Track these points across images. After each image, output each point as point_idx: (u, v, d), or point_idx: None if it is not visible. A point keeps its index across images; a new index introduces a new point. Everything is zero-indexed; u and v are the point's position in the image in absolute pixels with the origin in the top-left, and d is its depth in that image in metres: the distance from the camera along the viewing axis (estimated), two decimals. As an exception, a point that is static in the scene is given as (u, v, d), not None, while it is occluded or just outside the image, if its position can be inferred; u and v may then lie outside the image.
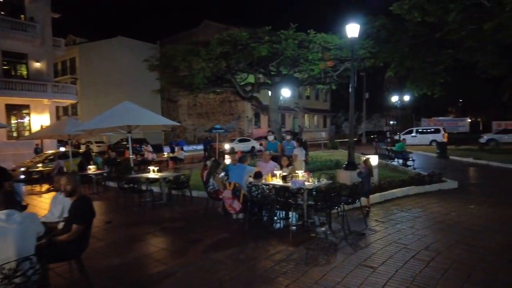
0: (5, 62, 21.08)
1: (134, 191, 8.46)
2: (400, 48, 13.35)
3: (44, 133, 14.76)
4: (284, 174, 6.10)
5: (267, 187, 5.74)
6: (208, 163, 7.33)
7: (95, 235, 6.04)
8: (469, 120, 33.74)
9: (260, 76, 15.38)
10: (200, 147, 30.95)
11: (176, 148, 21.70)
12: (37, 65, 22.06)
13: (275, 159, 7.94)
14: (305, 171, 6.34)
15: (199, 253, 4.92)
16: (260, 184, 5.74)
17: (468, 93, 41.72)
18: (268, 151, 7.58)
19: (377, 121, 56.68)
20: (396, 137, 27.40)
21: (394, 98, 28.09)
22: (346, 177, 8.82)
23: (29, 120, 22.11)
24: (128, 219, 7.38)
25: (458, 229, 5.56)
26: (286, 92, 18.23)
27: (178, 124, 11.39)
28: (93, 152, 20.01)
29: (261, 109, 16.09)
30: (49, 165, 14.55)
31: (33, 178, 14.28)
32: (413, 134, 28.78)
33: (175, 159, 18.79)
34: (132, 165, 11.38)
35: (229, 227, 6.20)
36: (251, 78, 16.28)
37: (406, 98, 29.68)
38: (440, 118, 34.66)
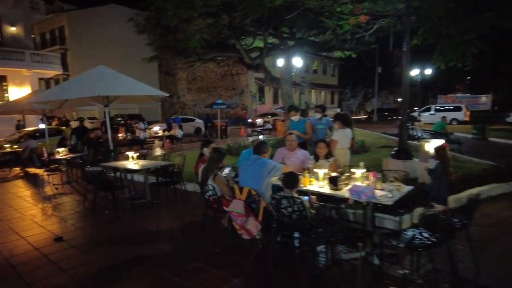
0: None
1: (101, 186, 6.01)
2: (442, 4, 10.55)
3: (10, 107, 12.17)
4: (334, 174, 3.60)
5: (308, 200, 3.25)
6: (206, 151, 4.79)
7: (19, 270, 3.65)
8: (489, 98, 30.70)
9: (270, 40, 12.63)
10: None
11: (173, 126, 19.24)
12: (12, 29, 19.11)
13: (303, 145, 5.41)
14: (364, 167, 3.83)
15: None
16: (296, 195, 3.23)
17: (477, 70, 38.47)
18: (293, 134, 5.00)
19: (385, 98, 53.75)
20: (415, 115, 24.76)
21: (414, 72, 25.19)
22: (398, 168, 6.33)
23: (7, 93, 19.42)
24: (89, 233, 4.96)
25: None
26: (298, 62, 15.46)
27: (166, 95, 8.80)
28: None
29: (269, 80, 13.40)
30: (16, 146, 12.11)
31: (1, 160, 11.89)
32: (431, 112, 26.14)
33: (171, 138, 16.32)
34: (112, 147, 8.85)
35: (239, 260, 3.76)
36: (258, 43, 13.53)
37: (428, 71, 26.75)
38: (459, 95, 31.78)
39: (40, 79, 21.01)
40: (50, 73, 20.16)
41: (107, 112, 8.31)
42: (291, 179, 3.37)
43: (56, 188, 8.01)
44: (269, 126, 22.61)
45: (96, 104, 8.22)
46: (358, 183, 3.53)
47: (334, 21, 9.44)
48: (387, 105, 51.16)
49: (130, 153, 6.65)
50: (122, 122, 25.40)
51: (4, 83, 19.34)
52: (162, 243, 4.39)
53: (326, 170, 3.73)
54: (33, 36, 23.28)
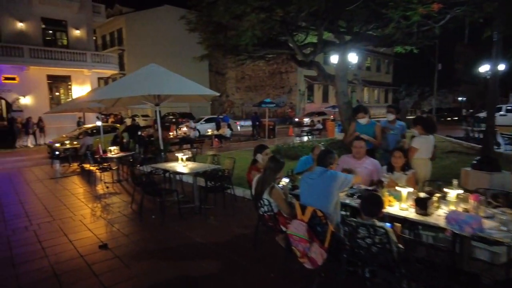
0: (45, 31, 19.53)
1: (148, 191, 5.73)
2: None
3: (72, 105, 12.68)
4: (422, 194, 2.86)
5: (391, 227, 2.54)
6: (260, 158, 4.22)
7: (62, 281, 3.38)
8: None
9: (326, 35, 11.83)
10: (248, 123, 28.40)
11: (222, 125, 19.13)
12: (77, 33, 20.26)
13: (371, 153, 4.64)
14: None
15: None
16: (378, 224, 2.54)
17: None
18: (361, 141, 4.27)
19: (443, 97, 49.64)
20: (482, 115, 22.26)
21: (483, 68, 22.59)
22: (483, 181, 5.31)
23: (71, 92, 20.63)
24: (134, 242, 4.65)
25: None
26: (353, 58, 14.42)
27: (217, 94, 8.41)
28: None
29: (323, 78, 12.58)
30: (75, 142, 12.61)
31: (60, 156, 12.42)
32: (501, 113, 23.37)
33: (220, 137, 16.15)
34: (162, 146, 8.69)
35: (299, 290, 3.17)
36: (311, 38, 12.78)
37: (501, 67, 23.93)
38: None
39: (99, 78, 22.08)
40: (108, 72, 21.10)
41: (158, 111, 8.14)
42: (373, 205, 2.66)
43: (107, 187, 8.02)
44: (319, 126, 21.67)
45: (148, 103, 8.08)
46: (454, 208, 2.74)
47: (400, 12, 8.41)
48: (446, 104, 47.23)
49: (180, 155, 6.33)
50: (174, 120, 25.96)
51: (69, 83, 20.57)
52: (210, 260, 3.92)
53: (411, 189, 2.98)
54: (94, 38, 24.69)
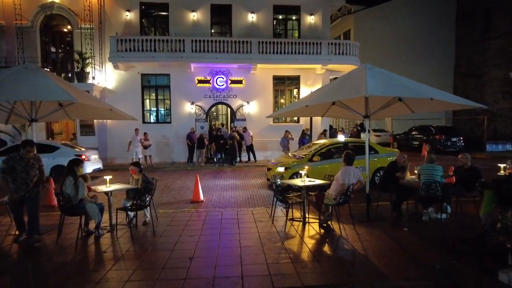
0: (276, 20, 15.39)
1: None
2: None
3: (295, 106, 6.40)
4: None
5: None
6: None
7: None
8: None
9: None
10: None
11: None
12: (311, 19, 15.10)
13: None
14: None
15: None
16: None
17: None
18: None
19: None
20: None
21: None
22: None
23: (298, 97, 15.62)
24: None
25: None
26: None
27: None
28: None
29: None
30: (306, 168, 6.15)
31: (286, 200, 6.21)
32: None
33: None
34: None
35: None
36: None
37: None
38: None
39: (333, 79, 16.19)
40: (344, 68, 14.69)
41: None
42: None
43: None
44: None
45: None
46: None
47: None
48: None
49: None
50: (425, 138, 17.05)
51: (296, 85, 15.70)
52: None
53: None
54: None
